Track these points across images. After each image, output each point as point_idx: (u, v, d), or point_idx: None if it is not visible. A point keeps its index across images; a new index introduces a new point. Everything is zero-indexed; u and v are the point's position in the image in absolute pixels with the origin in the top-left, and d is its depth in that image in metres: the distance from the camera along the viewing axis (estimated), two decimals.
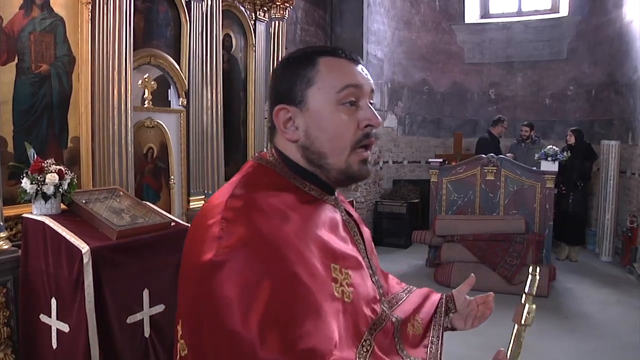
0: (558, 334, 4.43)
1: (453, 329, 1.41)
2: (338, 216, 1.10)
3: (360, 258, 1.08)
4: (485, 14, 9.16)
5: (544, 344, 4.20)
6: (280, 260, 0.87)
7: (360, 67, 1.07)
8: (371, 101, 1.07)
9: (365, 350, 0.96)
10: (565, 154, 6.23)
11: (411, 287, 1.41)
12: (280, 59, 1.11)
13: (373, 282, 1.11)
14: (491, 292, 1.43)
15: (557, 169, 6.09)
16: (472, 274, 1.44)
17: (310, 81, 1.03)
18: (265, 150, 1.15)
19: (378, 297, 1.10)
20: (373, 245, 1.26)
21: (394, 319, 1.13)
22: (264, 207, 0.94)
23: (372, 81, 1.08)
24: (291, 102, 1.04)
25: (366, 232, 1.23)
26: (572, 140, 7.00)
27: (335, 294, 0.94)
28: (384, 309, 1.11)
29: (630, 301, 5.28)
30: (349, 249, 1.05)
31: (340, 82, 1.02)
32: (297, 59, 1.07)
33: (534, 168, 6.26)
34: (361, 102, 1.04)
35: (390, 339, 1.10)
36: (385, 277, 1.29)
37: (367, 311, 1.02)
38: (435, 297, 1.41)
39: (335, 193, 1.16)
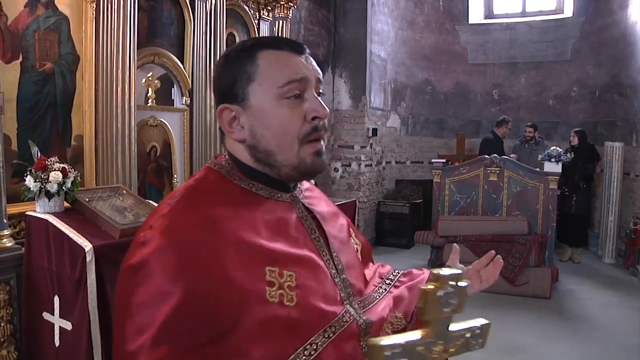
0: (560, 336, 4.42)
1: None
2: (292, 215, 1.05)
3: (316, 257, 1.02)
4: (489, 14, 9.14)
5: (546, 346, 4.19)
6: (192, 272, 0.84)
7: (304, 57, 1.02)
8: (319, 91, 1.03)
9: (307, 354, 0.91)
10: (568, 155, 6.21)
11: (395, 274, 1.32)
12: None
13: (336, 282, 1.04)
14: (492, 250, 1.35)
15: (560, 170, 6.08)
16: (455, 244, 1.35)
17: (251, 77, 0.99)
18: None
19: (340, 297, 1.03)
20: (350, 238, 1.21)
21: (360, 321, 1.04)
22: (188, 215, 0.91)
23: (318, 70, 1.04)
24: (233, 100, 1.00)
25: (340, 226, 1.18)
26: (575, 141, 6.98)
27: (269, 298, 0.89)
28: (350, 310, 1.03)
29: (633, 303, 5.27)
30: (297, 249, 0.99)
31: (282, 77, 0.98)
32: (236, 54, 1.02)
33: (537, 169, 6.25)
34: (306, 94, 1.00)
35: (355, 343, 1.01)
36: (361, 275, 1.18)
37: (322, 313, 0.96)
38: (416, 281, 1.30)
39: (300, 187, 1.13)
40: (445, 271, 0.84)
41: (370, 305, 1.13)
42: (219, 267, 0.86)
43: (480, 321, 0.90)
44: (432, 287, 0.81)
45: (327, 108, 1.02)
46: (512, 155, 6.84)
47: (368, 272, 1.26)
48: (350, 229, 1.25)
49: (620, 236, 7.01)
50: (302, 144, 0.99)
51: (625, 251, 6.74)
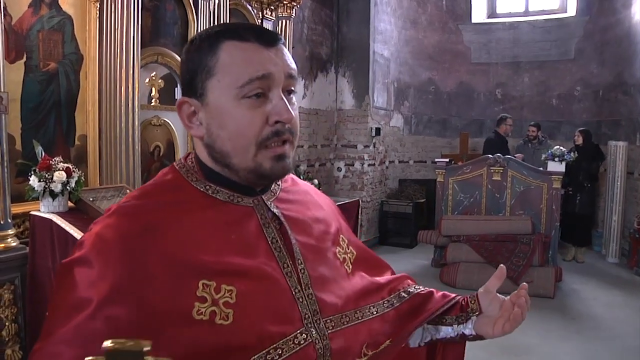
0: (564, 335, 4.41)
1: (477, 337, 1.13)
2: (251, 221, 0.94)
3: (271, 270, 0.91)
4: (492, 13, 9.12)
5: (550, 345, 4.19)
6: (111, 283, 0.78)
7: (274, 51, 0.90)
8: (291, 88, 0.93)
9: None
10: (572, 154, 6.20)
11: (413, 289, 1.17)
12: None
13: (296, 298, 0.92)
14: (525, 284, 1.14)
15: (564, 170, 6.07)
16: (502, 265, 1.13)
17: (210, 72, 0.89)
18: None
19: (300, 316, 0.91)
20: (334, 247, 1.07)
21: (319, 345, 0.91)
22: (128, 219, 0.86)
23: (291, 65, 0.93)
24: (192, 94, 0.92)
25: (319, 234, 1.05)
26: (579, 140, 6.96)
27: (196, 315, 0.80)
28: (311, 330, 0.91)
29: (637, 303, 5.25)
30: (246, 260, 0.89)
31: (243, 74, 0.87)
32: (199, 43, 0.92)
33: (541, 168, 6.24)
34: (271, 93, 0.89)
35: None
36: (341, 289, 1.03)
37: (265, 333, 0.86)
38: (430, 310, 1.13)
39: (275, 189, 1.02)
40: None
41: (348, 324, 0.99)
42: (141, 280, 0.80)
43: None
44: None
45: (292, 111, 0.91)
46: (517, 155, 6.81)
47: (368, 283, 1.11)
48: (342, 235, 1.11)
49: (624, 236, 6.99)
50: (260, 148, 0.89)
51: (629, 251, 6.73)
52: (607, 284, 6.00)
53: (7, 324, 2.61)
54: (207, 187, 0.94)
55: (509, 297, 1.11)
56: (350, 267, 1.08)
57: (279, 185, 1.04)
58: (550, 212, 6.05)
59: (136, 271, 0.80)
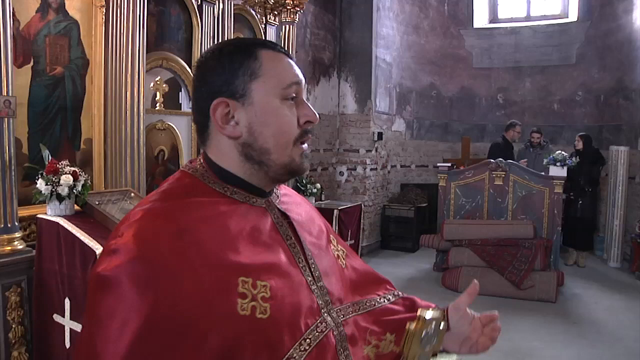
0: (566, 340, 4.42)
1: (443, 350, 1.20)
2: (266, 220, 1.01)
3: (290, 265, 0.98)
4: (493, 18, 9.15)
5: (552, 350, 4.19)
6: (161, 284, 0.81)
7: (294, 62, 1.04)
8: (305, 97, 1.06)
9: None
10: (574, 159, 6.21)
11: (397, 294, 1.26)
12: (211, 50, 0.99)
13: (312, 289, 1.00)
14: (496, 312, 1.23)
15: (565, 174, 6.08)
16: (475, 280, 1.24)
17: (255, 74, 0.97)
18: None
19: (318, 306, 0.99)
20: (330, 245, 1.17)
21: (336, 332, 1.00)
22: (161, 221, 0.88)
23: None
24: (231, 95, 0.96)
25: (317, 232, 1.14)
26: (580, 145, 6.98)
27: (240, 311, 0.85)
28: (327, 318, 0.99)
29: (639, 307, 5.25)
30: (271, 257, 0.96)
31: (286, 78, 0.99)
32: (235, 50, 0.99)
33: (542, 173, 6.25)
34: (299, 97, 1.02)
35: (333, 354, 0.97)
36: (341, 282, 1.12)
37: (296, 325, 0.92)
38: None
39: (277, 192, 1.10)
40: (429, 314, 1.03)
41: (353, 314, 1.09)
42: (189, 279, 0.82)
43: (453, 357, 1.04)
44: (415, 326, 1.00)
45: (317, 114, 1.04)
46: (521, 161, 6.80)
47: (362, 278, 1.21)
48: (331, 235, 1.21)
49: (626, 240, 7.00)
50: (295, 145, 1.00)
51: (631, 255, 6.73)
52: (608, 288, 6.01)
53: (13, 326, 2.63)
54: (225, 188, 0.99)
55: (478, 316, 1.20)
56: (344, 262, 1.19)
57: (277, 189, 1.11)
58: (552, 217, 6.07)
59: (184, 271, 0.83)
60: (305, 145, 1.02)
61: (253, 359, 0.85)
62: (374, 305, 1.17)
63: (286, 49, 4.92)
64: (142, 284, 0.80)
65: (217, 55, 1.00)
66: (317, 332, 0.95)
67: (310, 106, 1.03)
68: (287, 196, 1.14)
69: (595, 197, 7.27)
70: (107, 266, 0.82)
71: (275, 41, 4.92)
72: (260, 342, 0.86)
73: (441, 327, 1.06)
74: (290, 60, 1.02)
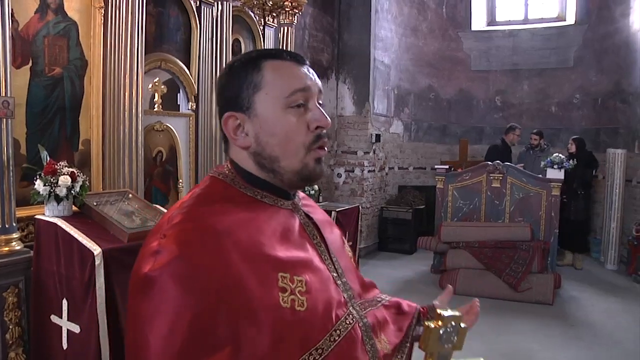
0: (563, 342, 4.42)
1: None
2: (295, 221, 1.08)
3: (318, 262, 1.06)
4: (491, 21, 9.18)
5: (549, 352, 4.20)
6: (207, 282, 0.85)
7: (306, 68, 1.06)
8: (319, 102, 1.06)
9: (312, 359, 0.93)
10: (571, 162, 6.23)
11: (384, 298, 1.33)
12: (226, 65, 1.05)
13: (338, 285, 1.07)
14: (476, 298, 1.38)
15: (563, 177, 6.10)
16: (449, 285, 1.39)
17: (257, 87, 1.02)
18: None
19: (344, 299, 1.07)
20: (344, 245, 1.25)
21: (361, 324, 1.08)
22: (202, 223, 0.92)
23: (319, 82, 1.08)
24: (239, 108, 1.03)
25: (335, 233, 1.22)
26: (572, 148, 7.01)
27: (282, 303, 0.91)
28: (353, 312, 1.07)
29: (636, 310, 5.27)
30: (303, 254, 1.03)
31: (288, 87, 1.02)
32: (241, 64, 1.05)
33: (540, 176, 6.26)
34: (310, 103, 1.04)
35: (360, 346, 1.04)
36: (360, 279, 1.24)
37: (328, 317, 0.99)
38: (405, 315, 1.31)
39: (298, 196, 1.16)
40: (448, 312, 1.08)
41: (370, 309, 1.17)
42: (233, 277, 0.87)
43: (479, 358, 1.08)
44: (435, 325, 1.05)
45: (329, 118, 1.05)
46: (518, 165, 6.82)
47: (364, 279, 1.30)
48: (342, 238, 1.28)
49: (623, 243, 7.02)
50: (308, 151, 1.03)
51: (628, 258, 6.75)
52: (605, 290, 6.03)
53: (10, 327, 2.62)
54: (255, 192, 1.05)
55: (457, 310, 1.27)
56: (355, 263, 1.28)
57: (297, 192, 1.17)
58: (549, 219, 6.09)
59: (231, 268, 0.88)
60: (323, 151, 1.05)
61: (286, 349, 0.90)
62: (380, 302, 1.26)
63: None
64: (188, 284, 0.84)
65: (228, 70, 1.07)
66: (345, 323, 1.02)
67: (322, 110, 1.05)
68: (305, 199, 1.22)
69: (588, 199, 7.30)
70: (153, 267, 0.86)
71: (273, 43, 4.94)
72: (297, 333, 0.92)
73: (462, 326, 1.09)
74: (300, 67, 1.05)
